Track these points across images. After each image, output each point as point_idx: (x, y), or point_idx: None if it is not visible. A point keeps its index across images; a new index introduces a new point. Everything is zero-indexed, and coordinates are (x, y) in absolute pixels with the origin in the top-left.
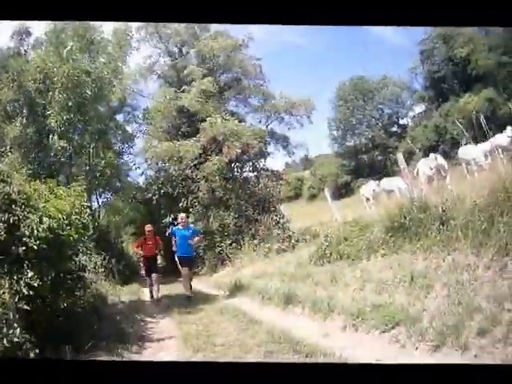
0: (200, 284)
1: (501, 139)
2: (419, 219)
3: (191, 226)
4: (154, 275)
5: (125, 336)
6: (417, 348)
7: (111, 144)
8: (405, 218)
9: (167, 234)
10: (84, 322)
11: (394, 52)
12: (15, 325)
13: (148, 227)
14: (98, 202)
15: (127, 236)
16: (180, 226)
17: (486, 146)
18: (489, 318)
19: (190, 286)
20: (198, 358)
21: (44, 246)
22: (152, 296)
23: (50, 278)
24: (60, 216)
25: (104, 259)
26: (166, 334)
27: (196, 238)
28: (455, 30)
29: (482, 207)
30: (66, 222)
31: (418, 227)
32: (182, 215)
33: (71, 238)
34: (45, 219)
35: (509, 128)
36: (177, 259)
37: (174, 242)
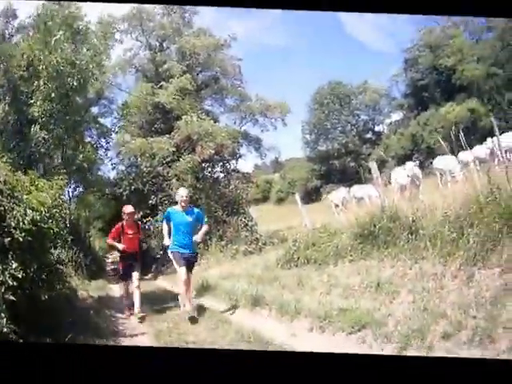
0: (166, 282)
1: (480, 151)
2: (388, 228)
3: (194, 207)
4: (134, 280)
5: (99, 331)
6: (382, 349)
7: (85, 137)
8: (374, 226)
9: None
10: (61, 315)
11: (376, 58)
12: (2, 315)
13: (128, 208)
14: (68, 195)
15: (95, 230)
16: (179, 208)
17: (463, 157)
18: (453, 323)
19: (190, 297)
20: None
21: (29, 238)
22: (129, 311)
23: (32, 270)
24: (42, 209)
25: (75, 253)
26: (138, 330)
27: (203, 229)
28: (444, 40)
29: (453, 218)
30: (47, 214)
31: (386, 235)
32: (182, 191)
33: (51, 231)
34: (29, 211)
35: (489, 140)
36: (172, 256)
37: (164, 230)
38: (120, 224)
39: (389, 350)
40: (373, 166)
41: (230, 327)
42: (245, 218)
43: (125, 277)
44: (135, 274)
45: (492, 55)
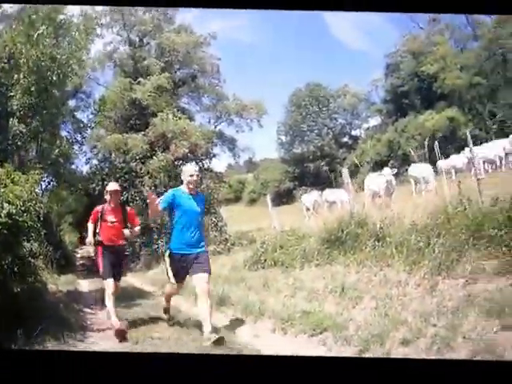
0: (135, 279)
1: (457, 160)
2: (356, 234)
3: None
4: (113, 283)
5: (69, 324)
6: (342, 352)
7: (61, 130)
8: (342, 231)
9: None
10: (32, 307)
11: (358, 61)
12: None
13: (112, 185)
14: (41, 189)
15: (66, 225)
16: (185, 189)
17: (441, 165)
18: (413, 330)
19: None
20: (138, 349)
21: (5, 232)
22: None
23: (6, 262)
24: (18, 202)
25: (45, 247)
26: (105, 325)
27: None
28: (427, 47)
29: (420, 227)
30: (22, 208)
31: (354, 241)
32: (191, 168)
33: (25, 224)
34: (5, 205)
35: (467, 149)
36: (169, 261)
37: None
38: (100, 207)
39: (348, 353)
40: (344, 171)
41: (195, 325)
42: (215, 218)
43: (107, 275)
44: (108, 283)
45: (476, 64)
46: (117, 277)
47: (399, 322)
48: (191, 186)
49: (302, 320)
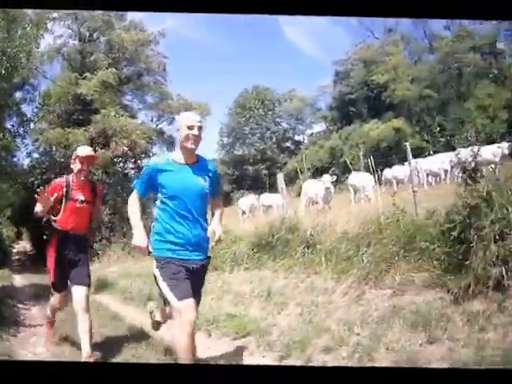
0: None
1: (399, 171)
2: (286, 239)
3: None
4: (78, 299)
5: (3, 319)
6: (264, 356)
7: (5, 123)
8: (272, 236)
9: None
10: None
11: (309, 66)
12: None
13: (84, 150)
14: None
15: (4, 219)
16: (178, 156)
17: (385, 175)
18: (336, 338)
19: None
20: (65, 346)
21: None
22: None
23: None
24: None
25: None
26: (36, 321)
27: (218, 213)
28: (380, 56)
29: (351, 236)
30: None
31: (284, 247)
32: (191, 116)
33: None
34: None
35: (412, 161)
36: (160, 271)
37: (134, 213)
38: (62, 180)
39: (269, 358)
40: (279, 177)
41: (122, 323)
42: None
43: (60, 284)
44: (79, 290)
45: (429, 77)
46: (79, 281)
47: (322, 329)
48: (190, 146)
49: (227, 323)
